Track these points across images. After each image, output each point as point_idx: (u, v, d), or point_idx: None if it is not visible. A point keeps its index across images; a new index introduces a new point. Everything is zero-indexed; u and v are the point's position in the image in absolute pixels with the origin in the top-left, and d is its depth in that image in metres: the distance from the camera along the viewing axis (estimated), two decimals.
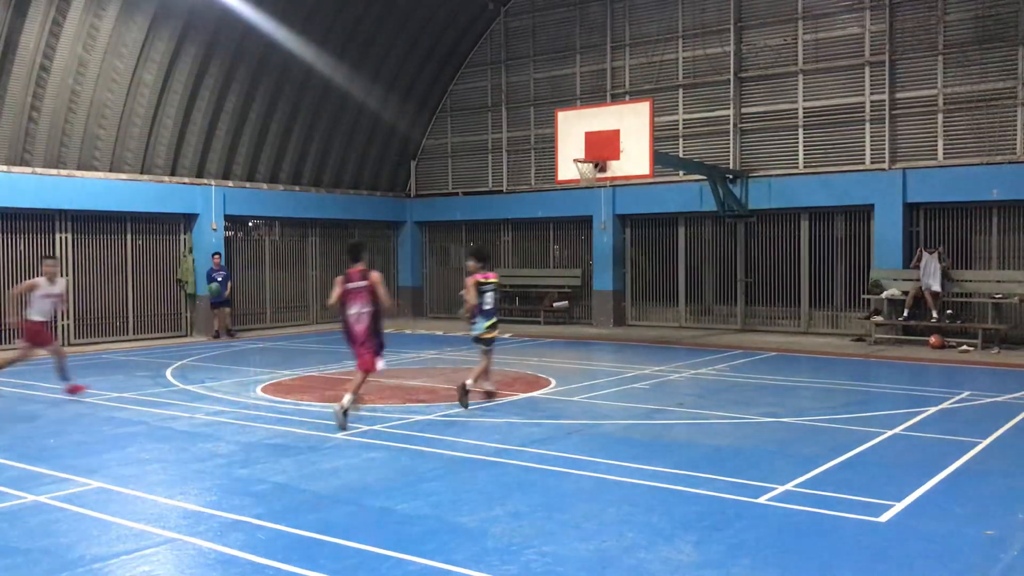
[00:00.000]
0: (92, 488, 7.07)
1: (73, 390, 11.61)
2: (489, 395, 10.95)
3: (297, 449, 8.41)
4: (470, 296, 10.77)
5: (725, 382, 12.66)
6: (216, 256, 19.83)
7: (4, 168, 16.81)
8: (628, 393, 11.70)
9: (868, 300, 17.81)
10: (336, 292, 9.80)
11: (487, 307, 10.79)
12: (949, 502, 6.52)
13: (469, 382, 10.59)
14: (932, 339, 16.18)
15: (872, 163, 18.42)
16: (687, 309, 21.06)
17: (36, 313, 11.57)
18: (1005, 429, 9.13)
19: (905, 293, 17.15)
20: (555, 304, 22.14)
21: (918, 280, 16.81)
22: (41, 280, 11.75)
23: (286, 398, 11.39)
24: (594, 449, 8.32)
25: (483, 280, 10.81)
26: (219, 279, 19.64)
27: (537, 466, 7.69)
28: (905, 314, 16.86)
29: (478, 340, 10.82)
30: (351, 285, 9.72)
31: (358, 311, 9.73)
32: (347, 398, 9.42)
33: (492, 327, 10.81)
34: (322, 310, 23.36)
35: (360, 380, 9.67)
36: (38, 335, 11.71)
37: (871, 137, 18.47)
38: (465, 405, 10.42)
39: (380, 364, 9.86)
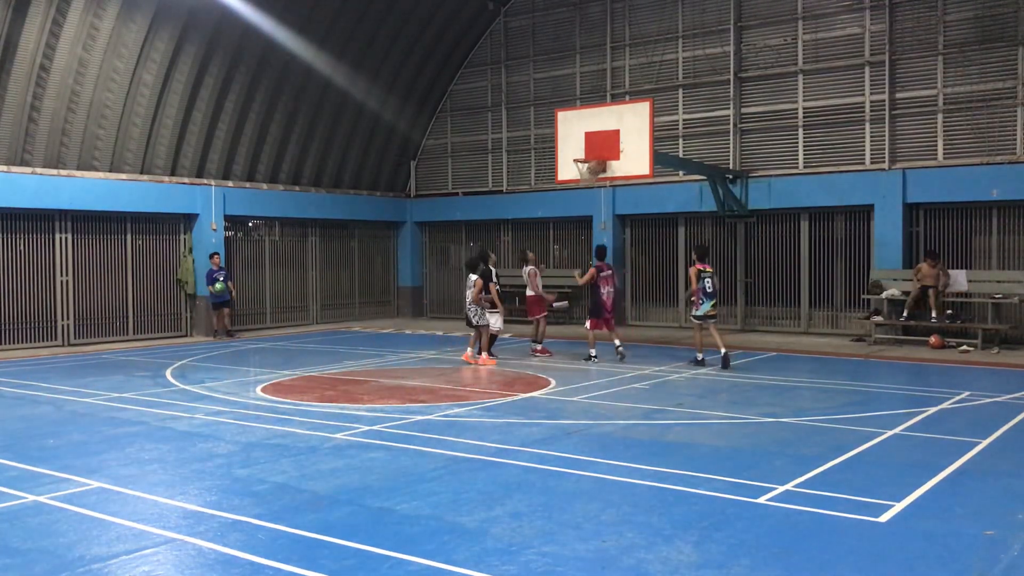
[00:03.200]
0: (92, 488, 7.07)
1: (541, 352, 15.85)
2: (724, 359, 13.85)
3: (297, 449, 8.41)
4: (693, 281, 13.92)
5: (725, 382, 12.65)
6: (215, 256, 19.78)
7: (4, 168, 16.82)
8: (628, 393, 11.69)
9: (868, 300, 17.81)
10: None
11: (709, 290, 13.89)
12: (949, 502, 6.52)
13: (723, 350, 13.75)
14: (932, 339, 16.18)
15: (872, 163, 18.43)
16: (687, 309, 21.03)
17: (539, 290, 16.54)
18: (1005, 429, 9.13)
19: (905, 293, 17.15)
20: (555, 304, 22.09)
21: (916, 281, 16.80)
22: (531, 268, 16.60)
23: (286, 398, 11.39)
24: (594, 449, 8.32)
25: (702, 268, 13.88)
26: (220, 279, 19.63)
27: (537, 466, 7.68)
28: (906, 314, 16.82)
29: (704, 317, 13.92)
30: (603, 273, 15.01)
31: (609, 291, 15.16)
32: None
33: (714, 306, 14.04)
34: (322, 310, 23.41)
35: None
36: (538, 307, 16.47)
37: (871, 137, 18.48)
38: (727, 366, 13.70)
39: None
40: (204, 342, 19.01)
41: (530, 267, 16.56)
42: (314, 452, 8.27)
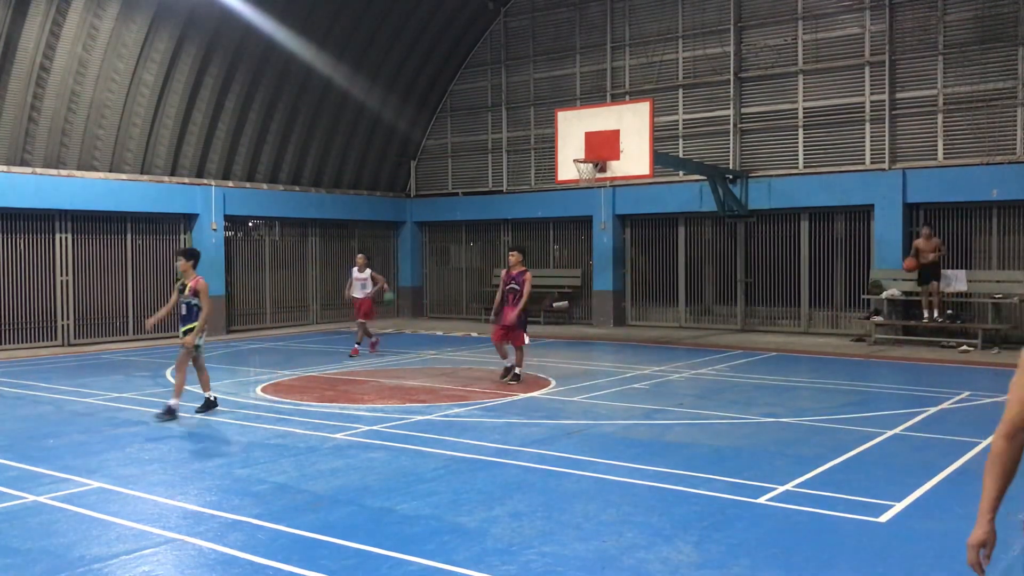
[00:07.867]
0: (92, 488, 7.06)
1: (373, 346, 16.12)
2: None
3: (297, 449, 8.40)
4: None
5: (725, 382, 12.65)
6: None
7: (4, 168, 16.81)
8: (628, 393, 11.69)
9: (868, 300, 17.81)
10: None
11: (183, 312, 11.21)
12: (949, 502, 6.52)
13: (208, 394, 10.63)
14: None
15: (872, 163, 18.43)
16: (687, 309, 21.06)
17: (358, 292, 16.25)
18: None
19: (906, 293, 17.15)
20: (555, 304, 22.14)
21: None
22: (354, 270, 16.46)
23: (286, 398, 11.39)
24: (594, 449, 8.32)
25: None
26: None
27: (537, 466, 7.68)
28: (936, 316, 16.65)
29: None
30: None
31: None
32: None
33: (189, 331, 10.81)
34: (322, 310, 23.38)
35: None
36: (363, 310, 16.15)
37: (871, 137, 18.48)
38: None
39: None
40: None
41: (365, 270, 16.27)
42: (314, 452, 8.27)
